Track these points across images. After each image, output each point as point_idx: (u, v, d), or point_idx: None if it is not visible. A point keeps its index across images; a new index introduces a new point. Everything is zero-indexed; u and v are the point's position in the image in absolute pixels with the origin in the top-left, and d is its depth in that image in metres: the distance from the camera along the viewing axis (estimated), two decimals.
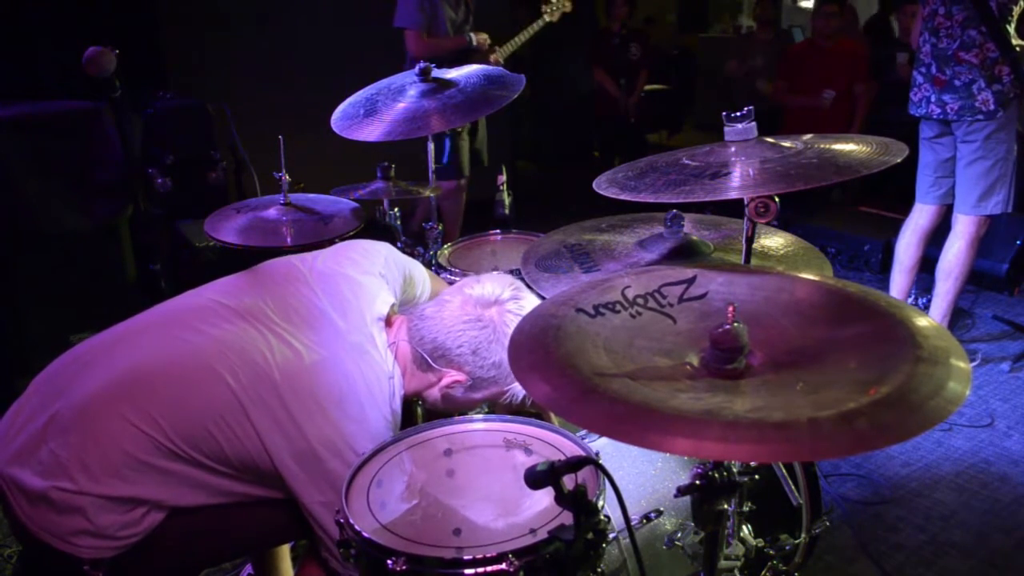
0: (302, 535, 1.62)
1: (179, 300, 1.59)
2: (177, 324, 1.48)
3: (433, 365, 1.52)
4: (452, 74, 2.33)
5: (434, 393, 1.58)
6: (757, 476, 1.37)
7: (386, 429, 1.45)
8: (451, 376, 1.53)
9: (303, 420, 1.38)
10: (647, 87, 6.45)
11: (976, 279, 4.13)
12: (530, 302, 1.54)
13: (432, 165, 2.42)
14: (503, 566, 1.12)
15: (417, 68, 2.27)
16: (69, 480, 1.34)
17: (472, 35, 4.14)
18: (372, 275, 1.60)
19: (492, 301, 1.52)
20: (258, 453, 1.39)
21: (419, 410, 1.96)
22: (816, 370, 1.04)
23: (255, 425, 1.38)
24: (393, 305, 1.60)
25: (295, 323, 1.47)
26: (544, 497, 1.26)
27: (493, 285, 1.54)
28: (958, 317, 3.89)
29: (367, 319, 1.51)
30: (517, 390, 1.55)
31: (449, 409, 1.83)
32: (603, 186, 1.51)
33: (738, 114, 1.48)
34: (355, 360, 1.45)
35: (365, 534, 1.19)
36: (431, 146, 2.38)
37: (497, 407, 1.90)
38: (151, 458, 1.36)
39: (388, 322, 1.56)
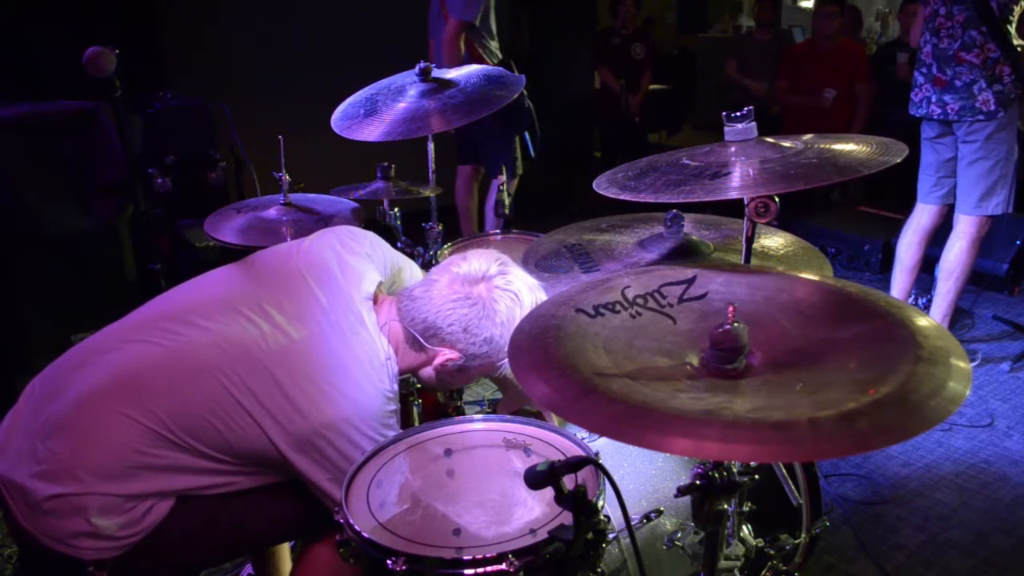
0: (304, 533, 1.62)
1: (171, 295, 1.59)
2: (170, 319, 1.48)
3: (426, 345, 1.53)
4: (452, 74, 2.33)
5: (428, 371, 1.59)
6: (757, 476, 1.37)
7: (388, 408, 1.46)
8: (444, 355, 1.53)
9: (302, 403, 1.39)
10: (648, 87, 6.46)
11: (976, 279, 4.12)
12: (517, 276, 1.54)
13: (432, 166, 2.42)
14: (503, 566, 1.12)
15: (417, 68, 2.26)
16: (74, 480, 1.34)
17: None
18: (359, 255, 1.61)
19: (480, 278, 1.52)
20: (260, 440, 1.40)
21: (416, 410, 1.96)
22: (816, 370, 1.04)
23: (252, 414, 1.39)
24: (380, 284, 1.60)
25: (286, 308, 1.47)
26: (544, 497, 1.26)
27: (480, 262, 1.54)
28: (958, 317, 3.89)
29: (355, 299, 1.51)
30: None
31: (444, 386, 1.82)
32: (603, 186, 1.50)
33: (738, 114, 1.48)
34: (347, 340, 1.45)
35: (365, 534, 1.19)
36: (431, 146, 2.38)
37: (499, 406, 1.90)
38: (153, 448, 1.37)
39: (376, 301, 1.57)
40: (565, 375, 1.04)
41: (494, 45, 4.20)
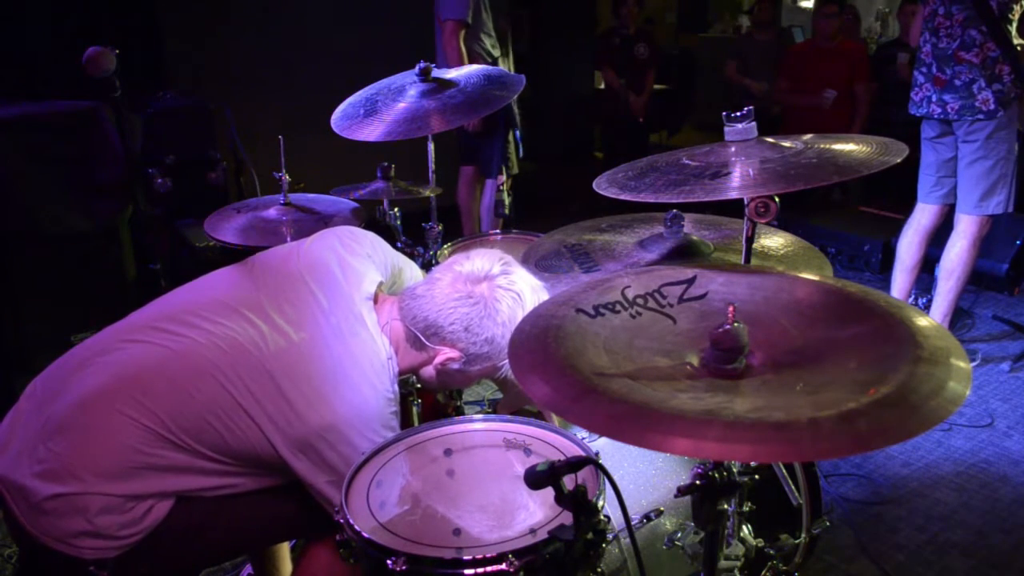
0: (304, 533, 1.62)
1: (172, 296, 1.59)
2: (170, 320, 1.48)
3: (427, 344, 1.53)
4: (452, 74, 2.33)
5: (429, 371, 1.59)
6: (757, 476, 1.37)
7: (389, 410, 1.46)
8: (445, 354, 1.53)
9: (301, 406, 1.39)
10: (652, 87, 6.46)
11: (976, 279, 4.12)
12: (520, 276, 1.54)
13: (432, 166, 2.42)
14: (503, 566, 1.12)
15: (417, 68, 2.26)
16: (75, 480, 1.34)
17: None
18: (360, 256, 1.61)
19: (482, 277, 1.52)
20: (260, 442, 1.40)
21: (416, 410, 1.96)
22: (816, 370, 1.04)
23: (251, 416, 1.39)
24: (381, 284, 1.60)
25: (286, 310, 1.47)
26: (544, 497, 1.26)
27: (483, 261, 1.54)
28: (958, 317, 3.89)
29: (356, 300, 1.51)
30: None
31: (444, 387, 1.82)
32: (603, 186, 1.50)
33: (738, 114, 1.48)
34: (347, 342, 1.45)
35: (365, 534, 1.19)
36: (431, 146, 2.38)
37: (499, 406, 1.90)
38: (154, 449, 1.37)
39: (376, 301, 1.57)
40: (565, 375, 1.04)
41: (489, 43, 4.21)
